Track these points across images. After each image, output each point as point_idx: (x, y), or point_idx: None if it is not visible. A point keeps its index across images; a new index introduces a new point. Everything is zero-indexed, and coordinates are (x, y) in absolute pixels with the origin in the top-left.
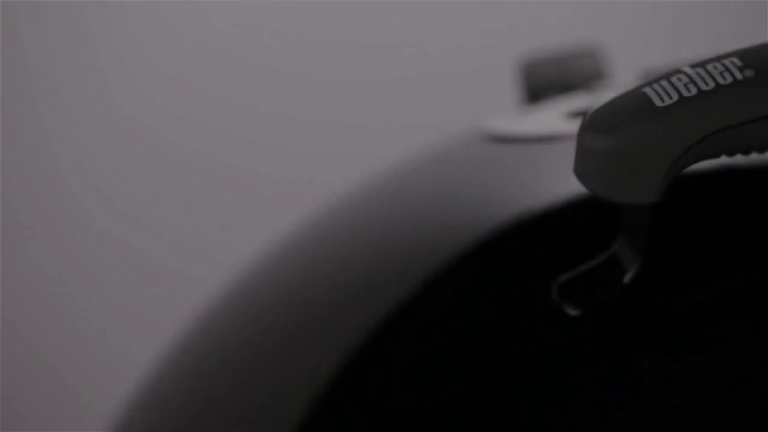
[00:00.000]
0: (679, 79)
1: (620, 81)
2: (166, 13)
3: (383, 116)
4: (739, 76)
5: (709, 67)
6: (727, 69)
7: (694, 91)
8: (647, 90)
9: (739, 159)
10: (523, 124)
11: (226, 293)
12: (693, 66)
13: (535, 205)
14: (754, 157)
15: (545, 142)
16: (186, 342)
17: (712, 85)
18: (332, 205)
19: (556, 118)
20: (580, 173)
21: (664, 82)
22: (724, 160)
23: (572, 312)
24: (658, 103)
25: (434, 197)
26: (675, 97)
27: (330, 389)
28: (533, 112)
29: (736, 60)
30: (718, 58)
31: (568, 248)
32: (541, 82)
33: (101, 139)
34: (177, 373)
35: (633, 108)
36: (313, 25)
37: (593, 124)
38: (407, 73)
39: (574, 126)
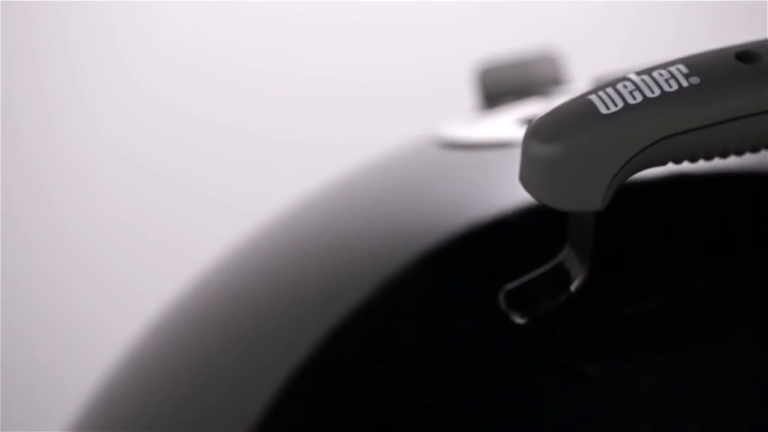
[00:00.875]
0: (625, 87)
1: (578, 86)
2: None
3: (342, 122)
4: (684, 83)
5: (656, 74)
6: (673, 76)
7: (639, 98)
8: (593, 97)
9: (688, 166)
10: (475, 130)
11: (181, 303)
12: (639, 73)
13: (485, 212)
14: (704, 164)
15: (496, 149)
16: (145, 345)
17: (657, 92)
18: (284, 214)
19: (508, 124)
20: (525, 181)
21: (609, 90)
22: (672, 167)
23: (518, 320)
24: (603, 110)
25: (385, 205)
26: (620, 104)
27: (277, 401)
28: (487, 118)
29: (682, 67)
30: (665, 65)
31: (519, 256)
32: (498, 88)
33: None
34: (135, 373)
35: (577, 116)
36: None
37: (537, 132)
38: (367, 78)
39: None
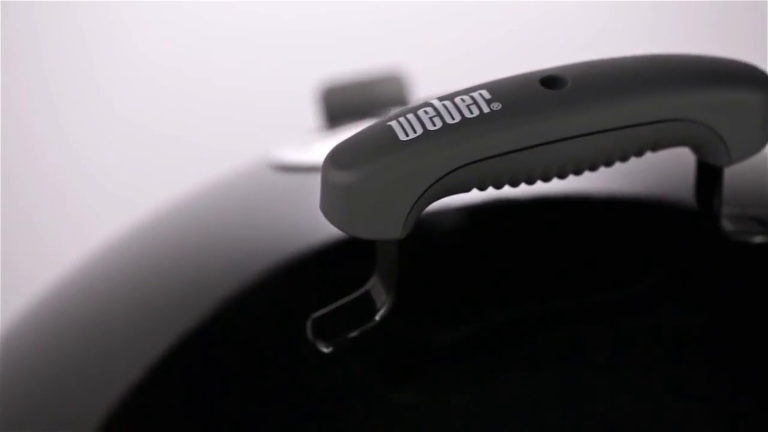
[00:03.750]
0: (426, 113)
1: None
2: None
3: (184, 140)
4: (486, 109)
5: (458, 99)
6: (475, 102)
7: (439, 124)
8: (393, 124)
9: (503, 192)
10: (308, 153)
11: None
12: (442, 98)
13: (302, 239)
14: (520, 189)
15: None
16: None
17: (458, 118)
18: (104, 248)
19: None
20: (325, 209)
21: (410, 116)
22: (489, 193)
23: (324, 348)
24: (402, 137)
25: (205, 232)
26: (420, 131)
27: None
28: (325, 139)
29: (485, 93)
30: (468, 91)
31: (333, 283)
32: (341, 107)
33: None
34: None
35: (376, 142)
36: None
37: (335, 158)
38: (211, 97)
39: None
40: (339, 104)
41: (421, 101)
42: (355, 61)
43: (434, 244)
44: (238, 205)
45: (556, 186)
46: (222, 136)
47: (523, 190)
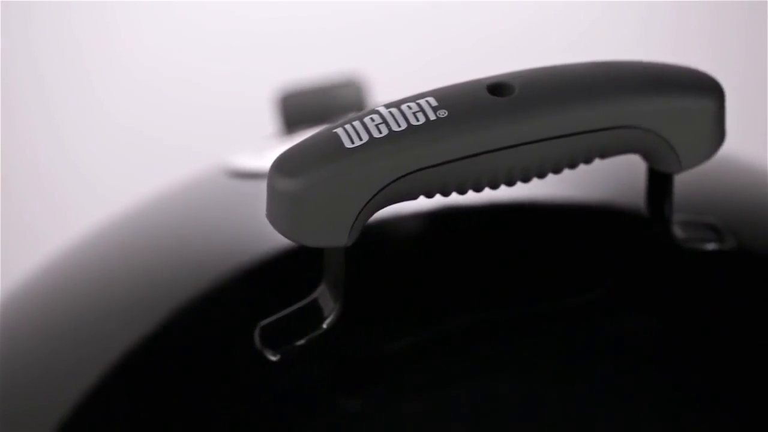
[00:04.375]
0: (372, 120)
1: None
2: None
3: (135, 146)
4: (432, 116)
5: (404, 107)
6: (421, 109)
7: (385, 132)
8: (339, 131)
9: (453, 199)
10: (263, 159)
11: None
12: (389, 106)
13: (251, 247)
14: (470, 197)
15: None
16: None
17: (404, 126)
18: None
19: None
20: (271, 216)
21: (357, 123)
22: (440, 200)
23: (271, 357)
24: (347, 144)
25: (164, 238)
26: (365, 138)
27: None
28: (278, 146)
29: (431, 100)
30: (415, 98)
31: (283, 291)
32: (299, 113)
33: None
34: None
35: (321, 150)
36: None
37: (281, 166)
38: (166, 104)
39: None
40: (296, 110)
41: (369, 108)
42: (313, 67)
43: (383, 252)
44: (190, 212)
45: (507, 193)
46: (178, 142)
47: (474, 197)
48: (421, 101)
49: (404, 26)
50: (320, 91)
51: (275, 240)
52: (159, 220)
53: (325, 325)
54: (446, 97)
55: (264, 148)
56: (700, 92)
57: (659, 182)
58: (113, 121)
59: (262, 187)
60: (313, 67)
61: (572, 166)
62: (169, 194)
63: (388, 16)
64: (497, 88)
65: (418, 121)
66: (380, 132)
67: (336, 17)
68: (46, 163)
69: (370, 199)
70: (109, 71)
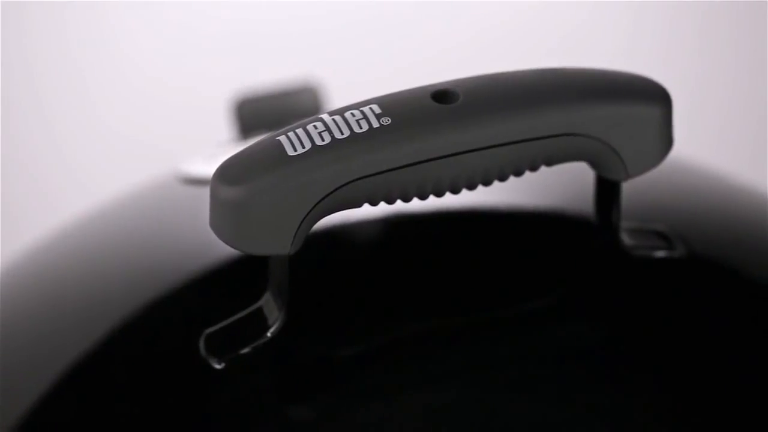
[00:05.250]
0: (315, 127)
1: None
2: None
3: (88, 151)
4: (375, 124)
5: (348, 114)
6: (365, 116)
7: (327, 139)
8: (282, 138)
9: (405, 206)
10: (216, 165)
11: None
12: (332, 113)
13: (209, 252)
14: (420, 204)
15: None
16: None
17: (347, 133)
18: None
19: None
20: (213, 224)
21: (300, 130)
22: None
23: (216, 365)
24: (290, 152)
25: (114, 244)
26: (308, 145)
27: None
28: (233, 152)
29: (375, 107)
30: (359, 105)
31: (231, 299)
32: (255, 119)
33: None
34: None
35: (264, 157)
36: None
37: (223, 174)
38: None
39: None
40: (253, 115)
41: (312, 116)
42: (269, 72)
43: (329, 260)
44: (140, 219)
45: (455, 200)
46: (132, 148)
47: (422, 204)
48: (365, 108)
49: (362, 31)
50: (277, 97)
51: (224, 248)
52: (108, 228)
53: (269, 334)
54: (390, 104)
55: (218, 154)
56: (646, 99)
57: (607, 189)
58: (60, 130)
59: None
60: (270, 72)
61: (518, 173)
62: (120, 201)
63: (346, 21)
64: (442, 95)
65: (361, 128)
66: (323, 140)
67: (294, 22)
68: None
69: (313, 207)
70: (59, 76)
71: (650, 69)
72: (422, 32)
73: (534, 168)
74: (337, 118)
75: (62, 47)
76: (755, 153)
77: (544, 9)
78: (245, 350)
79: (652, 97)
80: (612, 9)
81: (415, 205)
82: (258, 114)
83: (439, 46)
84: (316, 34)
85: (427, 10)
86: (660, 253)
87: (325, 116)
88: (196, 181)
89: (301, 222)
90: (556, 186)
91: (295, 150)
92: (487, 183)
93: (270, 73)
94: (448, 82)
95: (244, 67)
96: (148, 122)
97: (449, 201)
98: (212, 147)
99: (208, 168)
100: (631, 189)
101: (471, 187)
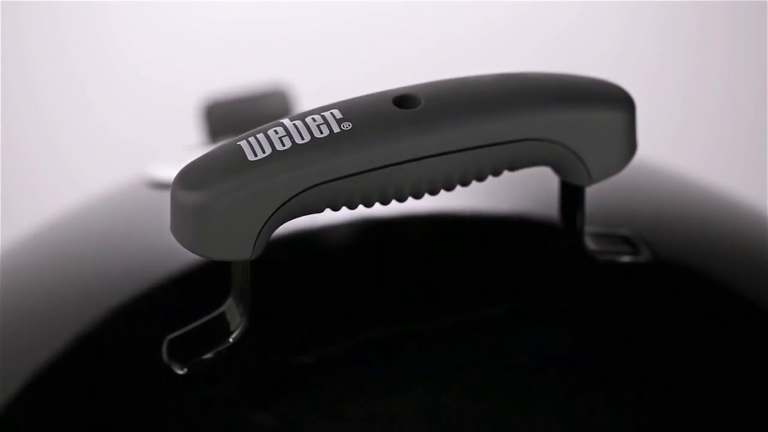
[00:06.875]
0: (276, 132)
1: None
2: None
3: (56, 154)
4: (336, 129)
5: (309, 119)
6: (325, 122)
7: (288, 144)
8: (242, 143)
9: (367, 211)
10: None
11: None
12: (293, 118)
13: (172, 257)
14: (383, 209)
15: None
16: None
17: (307, 138)
18: None
19: None
20: (174, 229)
21: (260, 135)
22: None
23: (178, 370)
24: (250, 157)
25: (77, 249)
26: (268, 150)
27: None
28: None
29: (336, 112)
30: (320, 110)
31: (195, 304)
32: (224, 122)
33: None
34: None
35: (224, 162)
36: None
37: (184, 179)
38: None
39: None
40: (222, 119)
41: (274, 121)
42: (239, 75)
43: (291, 265)
44: (106, 224)
45: (419, 204)
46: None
47: (385, 209)
48: (326, 113)
49: (332, 35)
50: (246, 100)
51: (187, 253)
52: (74, 232)
53: (231, 339)
54: (351, 109)
55: (186, 158)
56: (609, 104)
57: (571, 194)
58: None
59: None
60: (239, 75)
61: (480, 178)
62: (85, 205)
63: (317, 25)
64: (403, 100)
65: (321, 133)
66: (284, 145)
67: (264, 25)
68: None
69: (274, 213)
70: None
71: (639, 71)
72: (397, 36)
73: (497, 173)
74: (298, 123)
75: (35, 47)
76: (753, 153)
77: (521, 12)
78: (208, 355)
79: (615, 103)
80: (600, 11)
81: (378, 210)
82: (227, 117)
83: (416, 49)
84: (287, 38)
85: (402, 13)
86: (625, 258)
87: (285, 121)
88: (161, 185)
89: (262, 227)
90: (520, 190)
91: (256, 155)
92: (449, 188)
93: (241, 76)
94: (410, 87)
95: (212, 71)
96: (117, 125)
97: (413, 206)
98: (180, 150)
99: (174, 172)
100: (596, 193)
101: (433, 192)
